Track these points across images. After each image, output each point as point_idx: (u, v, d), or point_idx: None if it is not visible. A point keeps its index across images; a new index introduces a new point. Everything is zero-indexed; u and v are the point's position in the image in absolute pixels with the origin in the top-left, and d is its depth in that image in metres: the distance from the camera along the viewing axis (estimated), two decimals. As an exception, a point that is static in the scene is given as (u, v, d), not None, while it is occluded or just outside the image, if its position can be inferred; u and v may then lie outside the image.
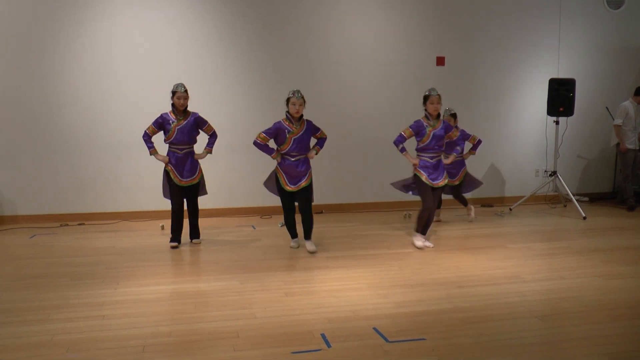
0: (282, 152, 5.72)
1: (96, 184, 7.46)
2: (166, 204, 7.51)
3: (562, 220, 7.70)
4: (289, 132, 5.64)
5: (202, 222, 7.20)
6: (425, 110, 5.86)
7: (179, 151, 5.99)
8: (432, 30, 8.31)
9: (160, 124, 5.97)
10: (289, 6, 7.80)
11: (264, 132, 5.69)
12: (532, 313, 4.14)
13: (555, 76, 8.57)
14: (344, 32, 8.01)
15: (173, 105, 5.97)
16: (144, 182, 7.53)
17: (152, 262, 5.47)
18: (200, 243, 6.22)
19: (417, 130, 5.84)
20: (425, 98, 5.83)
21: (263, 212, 7.87)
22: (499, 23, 8.54)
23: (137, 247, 6.06)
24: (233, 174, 7.82)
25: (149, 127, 6.04)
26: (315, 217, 7.73)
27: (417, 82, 8.25)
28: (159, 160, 6.02)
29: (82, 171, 7.41)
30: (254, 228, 7.04)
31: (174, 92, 5.94)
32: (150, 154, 6.05)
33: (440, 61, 8.37)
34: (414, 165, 5.92)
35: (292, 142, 5.64)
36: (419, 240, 5.98)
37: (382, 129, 8.15)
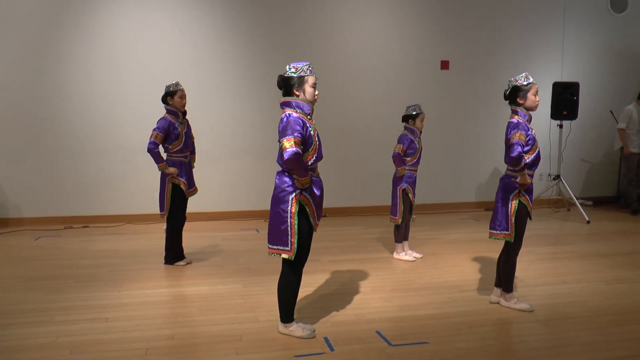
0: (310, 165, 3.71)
1: (101, 187, 7.48)
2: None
3: (565, 224, 7.69)
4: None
5: (204, 225, 7.24)
6: (413, 126, 5.65)
7: (184, 159, 5.45)
8: (437, 34, 8.32)
9: (167, 130, 5.23)
10: (293, 10, 7.82)
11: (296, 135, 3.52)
12: (535, 317, 4.14)
13: (559, 80, 8.57)
14: (348, 37, 8.02)
15: (170, 107, 5.32)
16: (148, 185, 7.53)
17: (155, 265, 5.48)
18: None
19: (409, 146, 5.63)
20: (416, 115, 5.64)
21: (266, 215, 7.82)
22: (503, 27, 8.54)
23: (141, 250, 6.08)
24: (235, 177, 7.83)
25: (155, 136, 5.19)
26: (321, 221, 7.75)
27: (421, 86, 8.27)
28: (170, 173, 5.28)
29: (86, 174, 7.44)
30: (258, 231, 7.05)
31: (172, 92, 5.30)
32: (160, 169, 5.28)
33: (444, 65, 8.38)
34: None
35: (318, 149, 3.76)
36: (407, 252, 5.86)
37: (386, 133, 8.14)
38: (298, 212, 3.59)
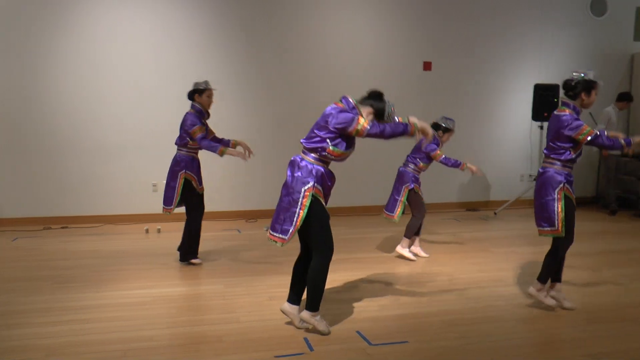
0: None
1: (80, 187, 7.39)
2: (151, 208, 7.50)
3: (546, 224, 7.74)
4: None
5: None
6: (439, 137, 5.69)
7: (196, 155, 5.44)
8: (419, 35, 8.35)
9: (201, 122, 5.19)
10: (274, 10, 7.79)
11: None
12: (514, 316, 4.17)
13: (539, 82, 8.64)
14: (330, 38, 8.01)
15: (197, 105, 5.28)
16: (128, 186, 7.49)
17: (136, 266, 5.43)
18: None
19: (428, 157, 5.68)
20: (447, 130, 5.68)
21: (248, 216, 7.85)
22: (484, 29, 8.60)
23: (121, 251, 6.02)
24: (217, 177, 7.77)
25: (195, 131, 5.13)
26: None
27: (404, 87, 8.30)
28: (235, 155, 5.22)
29: (66, 174, 7.34)
30: (240, 232, 7.02)
31: (201, 90, 5.24)
32: (220, 153, 5.15)
33: (427, 66, 8.41)
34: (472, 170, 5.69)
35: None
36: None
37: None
38: (310, 205, 3.63)
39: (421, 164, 5.67)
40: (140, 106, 7.46)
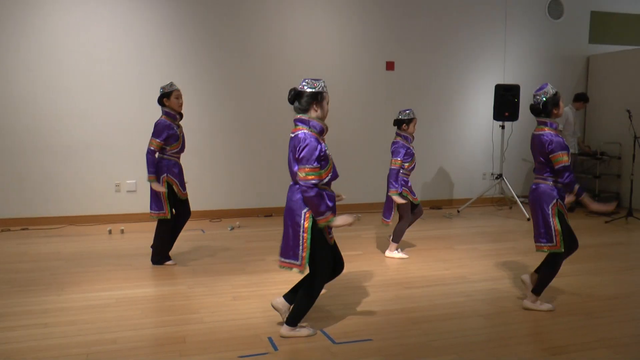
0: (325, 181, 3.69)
1: (42, 187, 7.23)
2: (115, 208, 7.42)
3: (507, 221, 7.92)
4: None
5: (150, 226, 7.11)
6: (405, 132, 5.69)
7: (178, 159, 5.38)
8: (382, 35, 8.42)
9: (167, 131, 5.16)
10: (238, 10, 7.76)
11: None
12: (477, 312, 4.26)
13: (500, 82, 8.83)
14: (296, 38, 8.02)
15: (167, 109, 5.22)
16: (91, 186, 7.36)
17: (99, 268, 5.35)
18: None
19: (405, 156, 5.65)
20: (409, 120, 5.67)
21: (212, 215, 7.80)
22: (447, 30, 8.73)
23: (84, 253, 5.91)
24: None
25: (154, 143, 5.11)
26: (266, 221, 7.77)
27: (367, 87, 8.37)
28: (156, 189, 5.19)
29: (26, 174, 7.17)
30: (204, 232, 6.98)
31: (168, 93, 5.19)
32: (149, 180, 5.18)
33: (390, 66, 8.49)
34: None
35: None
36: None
37: (334, 134, 8.20)
38: (312, 227, 3.59)
39: (406, 164, 5.71)
40: (102, 104, 7.33)
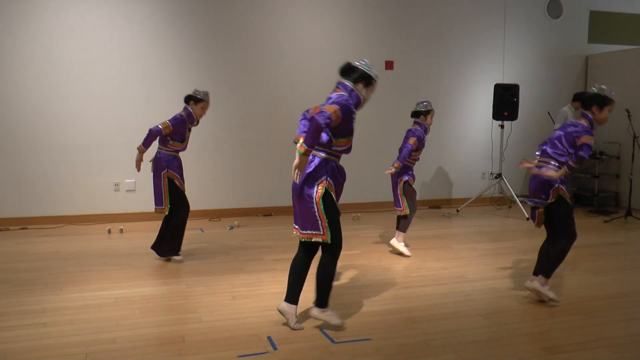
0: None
1: (40, 187, 7.22)
2: (114, 207, 7.41)
3: (506, 221, 7.93)
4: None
5: (148, 225, 7.12)
6: (423, 123, 5.81)
7: (177, 155, 5.49)
8: (381, 35, 8.42)
9: (180, 127, 5.29)
10: (237, 11, 7.76)
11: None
12: (476, 311, 4.25)
13: (500, 82, 8.83)
14: (297, 38, 8.02)
15: (189, 112, 5.36)
16: (89, 185, 7.35)
17: (97, 267, 5.34)
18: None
19: (420, 142, 5.76)
20: (427, 112, 5.81)
21: (211, 214, 7.80)
22: (446, 30, 8.73)
23: (83, 252, 5.91)
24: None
25: (165, 125, 5.22)
26: (265, 220, 7.77)
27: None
28: (137, 160, 5.34)
29: (24, 174, 7.16)
30: (202, 231, 6.97)
31: (198, 99, 5.33)
32: (137, 149, 5.31)
33: (389, 65, 8.49)
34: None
35: None
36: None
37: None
38: (323, 197, 3.63)
39: (415, 152, 5.75)
40: (101, 104, 7.33)
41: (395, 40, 8.49)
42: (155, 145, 5.48)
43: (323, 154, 3.69)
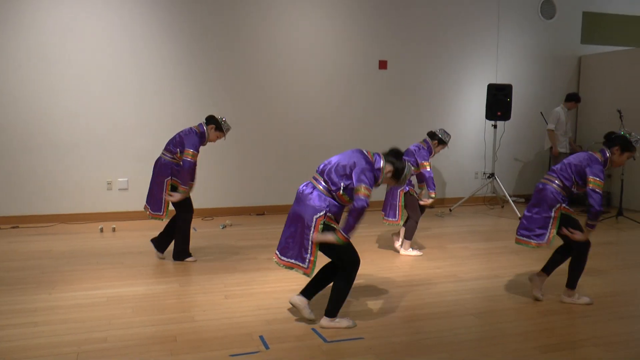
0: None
1: (32, 186, 7.19)
2: (106, 206, 7.39)
3: (499, 220, 7.95)
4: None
5: (140, 224, 7.10)
6: (432, 147, 5.96)
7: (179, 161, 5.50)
8: (375, 34, 8.43)
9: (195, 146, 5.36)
10: (231, 11, 7.74)
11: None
12: (468, 311, 4.27)
13: (493, 82, 8.86)
14: (289, 38, 8.01)
15: (203, 131, 5.39)
16: (82, 184, 7.32)
17: (90, 266, 5.32)
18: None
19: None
20: (442, 142, 5.98)
21: (204, 214, 7.78)
22: (440, 30, 8.74)
23: (75, 251, 5.88)
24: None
25: (192, 155, 5.29)
26: (258, 219, 7.76)
27: (360, 86, 8.38)
28: (181, 197, 5.35)
29: (16, 172, 7.12)
30: (195, 230, 6.96)
31: (219, 127, 5.42)
32: (181, 190, 5.34)
33: (382, 65, 8.50)
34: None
35: None
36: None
37: (325, 132, 8.23)
38: (322, 231, 3.69)
39: (412, 168, 5.74)
40: (94, 102, 7.30)
41: (389, 40, 8.50)
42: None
43: (324, 189, 3.78)
